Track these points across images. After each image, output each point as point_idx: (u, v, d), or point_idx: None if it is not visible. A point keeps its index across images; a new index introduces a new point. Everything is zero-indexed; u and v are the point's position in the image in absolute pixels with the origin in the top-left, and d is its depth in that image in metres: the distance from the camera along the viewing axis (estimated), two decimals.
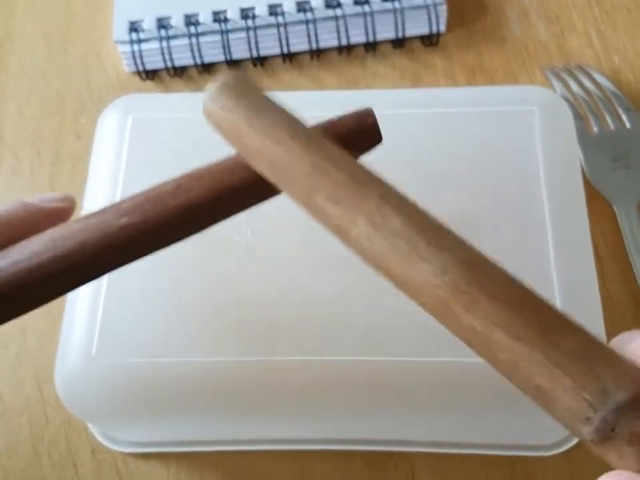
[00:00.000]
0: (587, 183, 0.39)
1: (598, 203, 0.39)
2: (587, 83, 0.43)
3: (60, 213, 0.26)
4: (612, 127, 0.41)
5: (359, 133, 0.25)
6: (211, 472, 0.35)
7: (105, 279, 0.32)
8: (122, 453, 0.35)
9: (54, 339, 0.38)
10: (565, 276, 0.31)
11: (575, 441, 0.34)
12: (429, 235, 0.20)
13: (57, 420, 0.36)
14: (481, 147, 0.35)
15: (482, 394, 0.30)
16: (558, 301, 0.31)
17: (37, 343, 0.38)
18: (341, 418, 0.32)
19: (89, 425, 0.35)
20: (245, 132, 0.22)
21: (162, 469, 0.35)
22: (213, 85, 0.23)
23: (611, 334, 0.31)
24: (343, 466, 0.35)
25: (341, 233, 0.21)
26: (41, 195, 0.26)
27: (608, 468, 0.34)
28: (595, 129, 0.41)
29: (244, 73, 0.23)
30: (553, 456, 0.34)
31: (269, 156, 0.21)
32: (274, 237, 0.33)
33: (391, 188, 0.21)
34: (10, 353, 0.38)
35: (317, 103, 0.37)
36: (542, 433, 0.34)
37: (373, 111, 0.25)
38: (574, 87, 0.43)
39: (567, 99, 0.42)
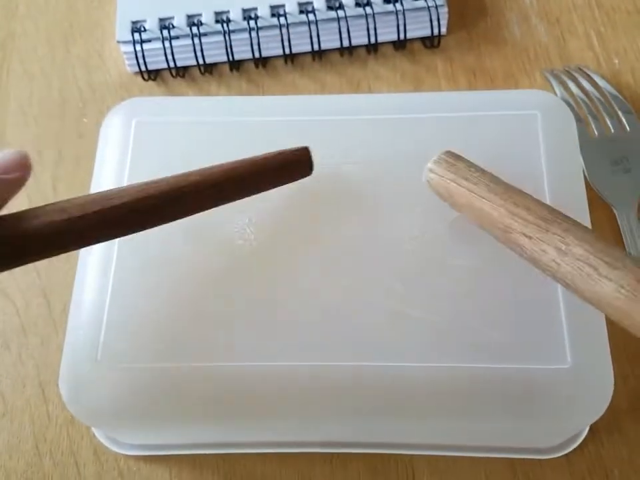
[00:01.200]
0: (587, 186, 0.39)
1: (598, 205, 0.40)
2: (587, 85, 0.43)
3: (20, 181, 0.26)
4: (612, 130, 0.41)
5: (296, 165, 0.33)
6: (212, 474, 0.35)
7: (110, 284, 0.32)
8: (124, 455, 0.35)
9: (56, 339, 0.38)
10: None
11: (576, 444, 0.34)
12: (605, 259, 0.26)
13: (59, 419, 0.36)
14: (484, 150, 0.35)
15: (484, 398, 0.30)
16: (561, 302, 0.31)
17: (39, 343, 0.38)
18: (342, 421, 0.32)
19: (92, 428, 0.36)
20: (455, 191, 0.31)
21: (164, 470, 0.35)
22: (432, 161, 0.32)
23: (611, 334, 0.31)
24: (342, 467, 0.35)
25: (533, 259, 0.28)
26: None
27: (606, 472, 0.34)
28: (596, 132, 0.41)
29: (451, 152, 0.32)
30: (554, 459, 0.34)
31: (475, 207, 0.30)
32: (277, 242, 0.33)
33: (574, 224, 0.28)
34: (12, 352, 0.38)
35: (322, 106, 0.37)
36: (543, 437, 0.34)
37: (309, 148, 0.33)
38: (574, 89, 0.43)
39: (567, 102, 0.42)
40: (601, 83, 0.43)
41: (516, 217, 0.28)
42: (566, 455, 0.34)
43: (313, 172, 0.34)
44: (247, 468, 0.35)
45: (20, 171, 0.26)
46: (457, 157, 0.32)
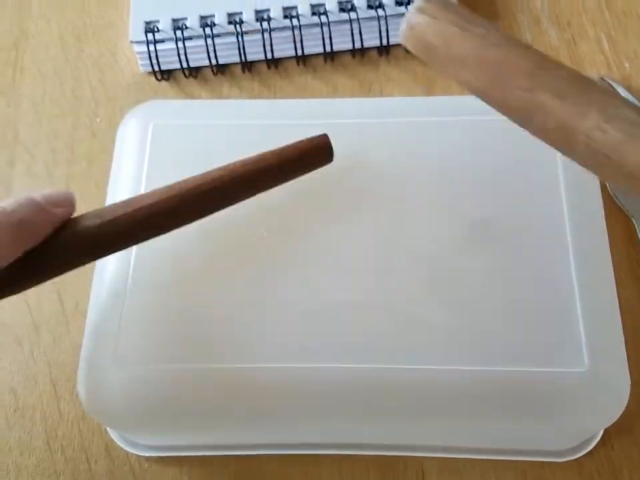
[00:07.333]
0: (609, 197, 0.39)
1: (617, 215, 0.40)
2: None
3: (64, 218, 0.28)
4: None
5: (316, 153, 0.33)
6: (222, 473, 0.35)
7: (127, 286, 0.33)
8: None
9: (68, 337, 0.38)
10: (584, 282, 0.32)
11: (589, 448, 0.34)
12: None
13: (70, 416, 0.36)
14: (500, 155, 0.35)
15: (500, 401, 0.30)
16: (578, 306, 0.31)
17: (51, 340, 0.38)
18: (353, 423, 0.32)
19: (107, 428, 0.36)
20: (457, 37, 0.22)
21: (175, 468, 0.35)
22: (421, 1, 0.24)
23: (629, 342, 0.31)
24: (351, 469, 0.35)
25: (565, 128, 0.21)
26: (46, 194, 0.28)
27: (615, 474, 0.34)
28: None
29: None
30: (565, 463, 0.34)
31: (488, 58, 0.22)
32: (293, 242, 0.33)
33: (610, 89, 0.22)
34: (24, 349, 0.38)
35: (338, 109, 0.37)
36: (557, 440, 0.34)
37: (327, 135, 0.33)
38: None
39: None
40: (624, 93, 0.43)
41: (546, 71, 0.22)
42: (577, 459, 0.34)
43: (331, 174, 0.34)
44: (256, 468, 0.35)
45: (66, 207, 0.28)
46: (449, 2, 0.24)
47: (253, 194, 0.32)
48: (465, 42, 0.23)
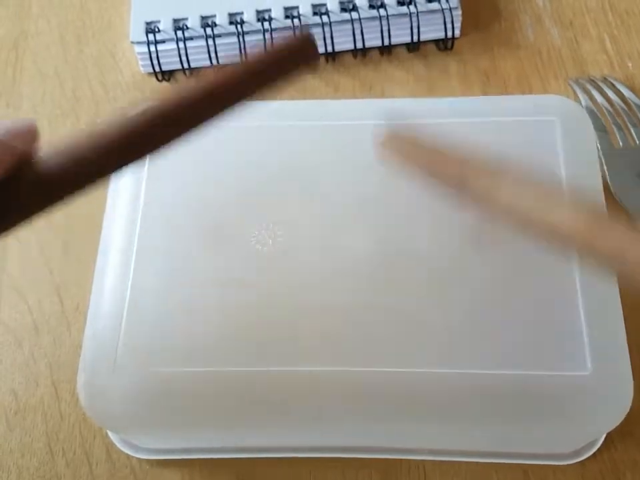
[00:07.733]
0: (610, 197, 0.39)
1: (622, 216, 0.39)
2: (613, 95, 0.43)
3: (26, 152, 0.23)
4: (637, 141, 0.41)
5: (300, 49, 0.29)
6: (223, 476, 0.35)
7: (128, 289, 0.32)
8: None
9: (69, 338, 0.38)
10: (587, 286, 0.32)
11: (592, 451, 0.34)
12: (560, 193, 0.26)
13: (71, 418, 0.36)
14: (502, 156, 0.35)
15: (503, 405, 0.30)
16: (581, 309, 0.31)
17: (52, 341, 0.38)
18: (355, 426, 0.32)
19: (108, 431, 0.36)
20: (416, 150, 0.30)
21: (176, 471, 0.35)
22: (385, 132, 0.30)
23: (632, 345, 0.31)
24: (354, 472, 0.35)
25: (488, 200, 0.28)
26: (5, 125, 0.23)
27: (618, 476, 0.34)
28: (620, 143, 0.41)
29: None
30: (567, 465, 0.34)
31: (430, 159, 0.30)
32: (295, 247, 0.33)
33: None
34: (24, 351, 0.38)
35: (339, 111, 0.37)
36: (560, 444, 0.34)
37: (310, 30, 0.29)
38: (599, 99, 0.43)
39: (592, 111, 0.42)
40: (627, 93, 0.43)
41: (468, 165, 0.29)
42: (581, 462, 0.34)
43: (331, 179, 0.34)
44: (258, 471, 0.35)
45: (29, 140, 0.23)
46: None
47: (234, 103, 0.27)
48: (420, 153, 0.30)
